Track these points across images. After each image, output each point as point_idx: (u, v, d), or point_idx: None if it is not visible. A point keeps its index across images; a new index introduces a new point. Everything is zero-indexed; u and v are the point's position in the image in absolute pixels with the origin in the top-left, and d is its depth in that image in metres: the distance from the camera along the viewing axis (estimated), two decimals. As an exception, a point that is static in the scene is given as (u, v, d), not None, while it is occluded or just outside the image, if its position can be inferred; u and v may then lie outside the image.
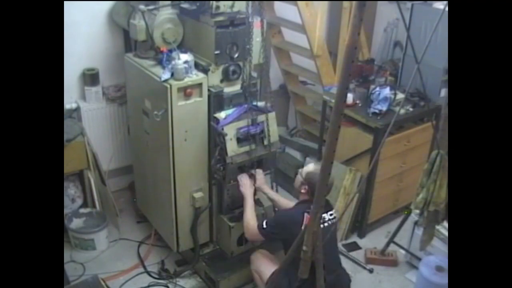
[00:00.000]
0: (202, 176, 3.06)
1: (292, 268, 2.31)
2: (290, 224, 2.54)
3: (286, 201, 3.01)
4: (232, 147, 2.87)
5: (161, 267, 3.34)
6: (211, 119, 2.91)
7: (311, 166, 2.75)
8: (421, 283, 3.05)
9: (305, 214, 2.44)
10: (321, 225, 2.43)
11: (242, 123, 2.89)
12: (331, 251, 2.63)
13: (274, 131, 3.02)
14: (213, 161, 2.94)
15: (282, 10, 4.40)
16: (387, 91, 3.49)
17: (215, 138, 2.91)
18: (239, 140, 2.91)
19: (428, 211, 2.74)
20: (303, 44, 4.23)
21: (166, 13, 2.98)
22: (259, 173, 3.04)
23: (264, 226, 2.68)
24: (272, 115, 3.00)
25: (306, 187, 2.71)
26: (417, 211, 2.87)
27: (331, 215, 2.67)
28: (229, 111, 2.91)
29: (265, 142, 3.01)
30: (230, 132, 2.85)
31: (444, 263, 2.99)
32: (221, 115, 2.88)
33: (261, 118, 2.96)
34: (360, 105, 3.62)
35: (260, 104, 2.98)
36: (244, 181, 2.98)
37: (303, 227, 2.30)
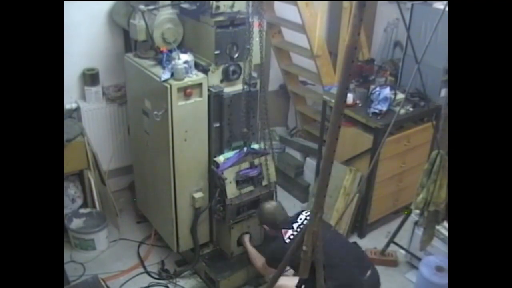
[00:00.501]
0: (202, 176, 3.07)
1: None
2: (281, 250, 2.62)
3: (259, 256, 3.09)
4: (231, 190, 2.96)
5: (161, 267, 3.34)
6: (212, 163, 3.01)
7: (258, 212, 2.97)
8: (421, 283, 3.05)
9: (283, 231, 2.76)
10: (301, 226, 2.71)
11: (241, 166, 2.99)
12: (347, 249, 2.74)
13: (272, 172, 3.12)
14: (213, 202, 3.05)
15: (282, 10, 4.40)
16: (387, 91, 3.49)
17: (215, 181, 3.01)
18: (238, 183, 3.00)
19: (428, 211, 2.74)
20: (303, 44, 4.23)
21: (166, 13, 2.98)
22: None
23: (270, 262, 2.82)
24: (269, 157, 3.09)
25: (265, 226, 2.93)
26: (417, 211, 2.87)
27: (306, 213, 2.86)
28: (229, 155, 2.99)
29: (264, 183, 3.10)
30: (230, 175, 2.94)
31: (444, 263, 2.99)
32: (221, 159, 2.97)
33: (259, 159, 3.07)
34: (360, 105, 3.62)
35: (258, 146, 3.10)
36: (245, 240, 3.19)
37: (285, 239, 2.67)
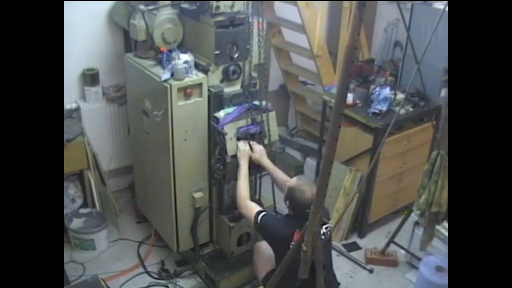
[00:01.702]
0: (202, 176, 3.06)
1: (292, 270, 2.31)
2: (279, 235, 2.49)
3: (283, 175, 2.89)
4: (232, 146, 2.87)
5: (161, 267, 3.34)
6: (211, 119, 2.91)
7: (293, 181, 2.58)
8: (421, 283, 3.05)
9: (296, 231, 2.38)
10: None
11: (242, 122, 2.89)
12: (326, 261, 2.56)
13: (274, 130, 3.03)
14: (213, 161, 2.94)
15: (282, 10, 4.40)
16: (387, 91, 3.49)
17: (215, 137, 2.91)
18: (239, 140, 2.91)
19: (430, 212, 2.74)
20: (303, 44, 4.23)
21: (166, 13, 2.98)
22: (257, 145, 2.95)
23: (258, 221, 2.58)
24: (272, 114, 3.00)
25: (288, 202, 2.57)
26: (418, 212, 2.86)
27: (326, 228, 2.52)
28: (229, 110, 2.91)
29: (265, 142, 3.01)
30: (230, 131, 2.85)
31: (444, 263, 2.99)
32: (221, 114, 2.88)
33: (261, 117, 2.95)
34: (360, 105, 3.62)
35: (260, 103, 2.98)
36: (243, 148, 2.89)
37: (291, 244, 2.34)
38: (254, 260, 2.96)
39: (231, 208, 3.15)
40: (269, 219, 2.59)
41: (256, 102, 2.94)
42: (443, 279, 2.91)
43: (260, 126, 2.96)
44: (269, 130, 2.99)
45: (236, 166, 2.89)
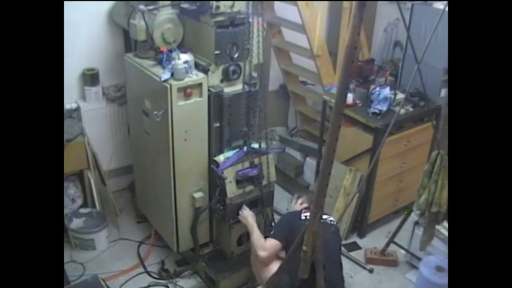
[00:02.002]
0: (202, 176, 3.07)
1: (293, 265, 2.33)
2: (292, 221, 2.61)
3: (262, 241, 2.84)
4: (231, 189, 2.95)
5: (161, 267, 3.34)
6: (211, 162, 3.00)
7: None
8: (421, 283, 3.05)
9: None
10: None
11: (241, 165, 2.97)
12: (336, 262, 2.74)
13: (272, 172, 3.11)
14: (213, 202, 3.03)
15: (282, 10, 4.40)
16: (387, 91, 3.49)
17: (215, 180, 3.00)
18: (238, 182, 2.99)
19: (430, 212, 2.74)
20: (303, 44, 4.23)
21: (166, 13, 2.98)
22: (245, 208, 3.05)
23: (272, 232, 2.75)
24: (270, 156, 3.07)
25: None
26: (418, 212, 2.86)
27: (331, 221, 2.78)
28: (228, 154, 2.98)
29: (264, 183, 3.08)
30: (230, 175, 2.93)
31: (444, 263, 2.99)
32: (221, 158, 2.96)
33: (259, 160, 3.04)
34: (360, 105, 3.62)
35: (258, 145, 3.05)
36: (245, 213, 3.00)
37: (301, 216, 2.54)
38: (252, 260, 2.98)
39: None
40: (280, 220, 2.74)
41: (255, 145, 3.03)
42: (443, 279, 2.91)
43: (258, 168, 3.03)
44: (268, 169, 3.07)
45: (235, 207, 2.99)
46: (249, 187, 3.05)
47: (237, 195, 3.00)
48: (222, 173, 2.91)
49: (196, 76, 2.81)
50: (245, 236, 3.22)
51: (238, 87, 2.95)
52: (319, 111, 4.22)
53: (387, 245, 3.49)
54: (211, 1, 2.73)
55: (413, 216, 3.27)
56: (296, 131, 4.89)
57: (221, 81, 2.93)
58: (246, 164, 3.00)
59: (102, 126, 3.72)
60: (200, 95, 2.85)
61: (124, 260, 3.43)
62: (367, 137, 3.47)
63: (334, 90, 3.76)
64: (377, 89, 3.53)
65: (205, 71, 2.85)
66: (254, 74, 3.00)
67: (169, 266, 3.37)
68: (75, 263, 3.34)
